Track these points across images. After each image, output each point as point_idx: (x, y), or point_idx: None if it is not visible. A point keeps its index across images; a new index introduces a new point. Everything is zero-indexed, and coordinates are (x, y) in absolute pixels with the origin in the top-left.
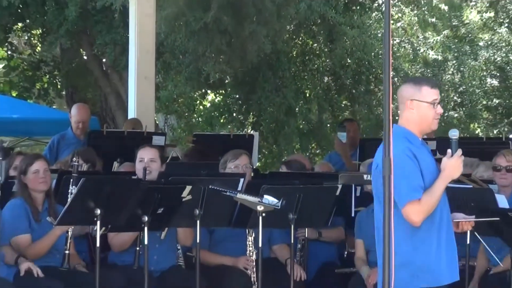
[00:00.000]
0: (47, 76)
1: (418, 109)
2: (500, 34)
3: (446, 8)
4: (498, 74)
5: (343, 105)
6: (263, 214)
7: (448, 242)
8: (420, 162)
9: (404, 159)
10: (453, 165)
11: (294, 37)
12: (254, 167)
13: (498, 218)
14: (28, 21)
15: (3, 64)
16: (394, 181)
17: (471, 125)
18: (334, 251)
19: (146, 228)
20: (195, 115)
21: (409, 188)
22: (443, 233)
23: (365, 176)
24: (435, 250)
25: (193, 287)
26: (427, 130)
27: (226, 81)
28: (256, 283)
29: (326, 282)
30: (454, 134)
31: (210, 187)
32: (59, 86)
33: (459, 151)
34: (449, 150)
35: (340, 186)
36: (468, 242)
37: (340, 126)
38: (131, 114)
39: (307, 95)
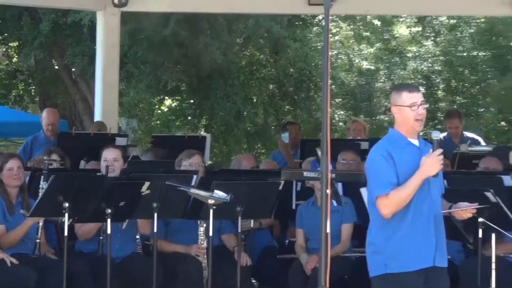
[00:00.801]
0: (23, 84)
1: (400, 113)
2: (426, 47)
3: (378, 23)
4: (424, 82)
5: (286, 110)
6: (214, 207)
7: (425, 233)
8: (396, 161)
9: (378, 159)
10: (430, 162)
11: (243, 49)
12: (206, 165)
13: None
14: (6, 34)
15: None
16: (369, 178)
17: None
18: (271, 236)
19: (109, 220)
20: (154, 119)
21: (378, 184)
22: (418, 224)
23: (305, 173)
24: (405, 239)
25: (151, 272)
26: (412, 131)
27: (182, 88)
28: (207, 268)
29: (269, 267)
30: (435, 135)
31: (166, 182)
32: (33, 93)
33: (438, 150)
34: (431, 150)
35: (282, 182)
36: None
37: (283, 128)
38: (97, 117)
39: (254, 101)
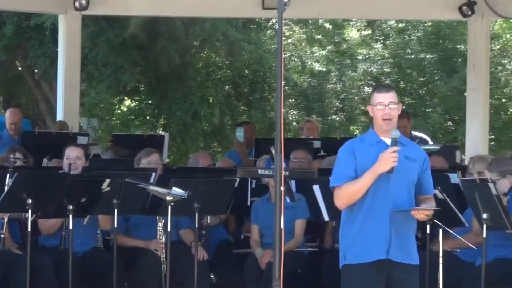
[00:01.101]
0: None
1: (372, 112)
2: (376, 49)
3: (330, 26)
4: (373, 83)
5: (241, 110)
6: (172, 204)
7: (378, 227)
8: (358, 157)
9: (341, 153)
10: (383, 158)
11: (200, 51)
12: (164, 163)
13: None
14: None
15: None
16: None
17: (351, 127)
18: (226, 231)
19: (70, 215)
20: (114, 118)
21: (334, 176)
22: (371, 218)
23: (259, 171)
24: (359, 232)
25: (111, 266)
26: (381, 129)
27: (141, 89)
28: (165, 262)
29: (225, 261)
30: (394, 133)
31: (126, 180)
32: None
33: (392, 148)
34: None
35: (238, 179)
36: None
37: (238, 127)
38: (59, 117)
39: (211, 101)
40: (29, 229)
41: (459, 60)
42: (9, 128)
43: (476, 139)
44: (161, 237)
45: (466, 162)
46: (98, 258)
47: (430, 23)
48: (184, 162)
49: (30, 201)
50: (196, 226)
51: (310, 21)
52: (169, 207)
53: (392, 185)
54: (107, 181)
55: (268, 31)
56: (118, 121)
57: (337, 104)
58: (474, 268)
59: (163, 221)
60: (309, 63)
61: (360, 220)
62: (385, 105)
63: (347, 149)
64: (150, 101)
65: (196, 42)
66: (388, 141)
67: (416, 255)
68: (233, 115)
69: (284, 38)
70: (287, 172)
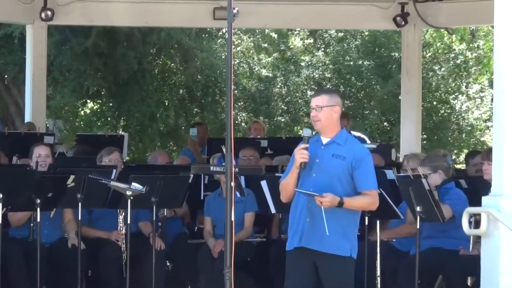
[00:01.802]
0: None
1: None
2: (317, 57)
3: (275, 35)
4: (316, 88)
5: (194, 112)
6: (131, 198)
7: (298, 218)
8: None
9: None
10: (294, 154)
11: (156, 58)
12: (124, 161)
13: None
14: None
15: None
16: None
17: (295, 128)
18: (182, 224)
19: (38, 209)
20: (77, 120)
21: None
22: (295, 210)
23: (211, 168)
24: (290, 223)
25: (76, 255)
26: (317, 129)
27: (102, 93)
28: (125, 251)
29: (181, 251)
30: (305, 132)
31: (89, 176)
32: None
33: (301, 145)
34: None
35: (192, 176)
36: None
37: (192, 128)
38: (27, 118)
39: (166, 104)
40: (0, 221)
41: (394, 66)
42: None
43: (409, 139)
44: (121, 229)
45: (400, 160)
46: (64, 248)
47: (367, 33)
48: (142, 160)
49: (0, 195)
50: (154, 218)
51: (257, 31)
52: (129, 201)
53: (314, 180)
54: (72, 177)
55: (219, 40)
56: (81, 122)
57: (282, 106)
58: (409, 257)
59: (123, 213)
60: (257, 69)
61: (291, 211)
62: (312, 108)
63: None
64: (111, 104)
65: (152, 50)
66: (325, 140)
67: (344, 247)
68: (187, 117)
69: (233, 46)
70: (237, 169)
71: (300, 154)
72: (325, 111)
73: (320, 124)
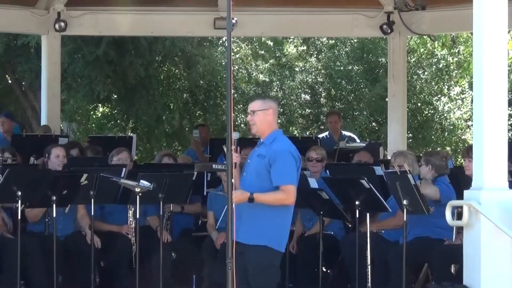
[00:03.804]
0: None
1: None
2: (310, 62)
3: (271, 43)
4: (309, 91)
5: (197, 114)
6: (140, 194)
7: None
8: None
9: None
10: None
11: (161, 65)
12: (133, 160)
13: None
14: None
15: None
16: None
17: (290, 128)
18: (191, 220)
19: (54, 205)
20: (89, 122)
21: None
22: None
23: (213, 166)
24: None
25: (89, 247)
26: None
27: (112, 97)
28: (134, 244)
29: (186, 243)
30: (234, 136)
31: (101, 174)
32: None
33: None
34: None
35: (195, 173)
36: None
37: (195, 129)
38: (43, 122)
39: (171, 107)
40: (19, 217)
41: (381, 71)
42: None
43: (396, 138)
44: (131, 223)
45: (388, 157)
46: (78, 241)
47: (356, 40)
48: (149, 159)
49: (19, 193)
50: (161, 213)
51: (254, 39)
52: (138, 197)
53: (244, 179)
54: (85, 175)
55: (219, 48)
56: (93, 125)
57: (278, 108)
58: (399, 246)
59: (132, 209)
60: (254, 74)
61: None
62: (248, 113)
63: None
64: (120, 108)
65: (158, 57)
66: (262, 140)
67: (261, 236)
68: (191, 119)
69: (232, 54)
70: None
71: (234, 155)
72: (259, 114)
73: (255, 127)
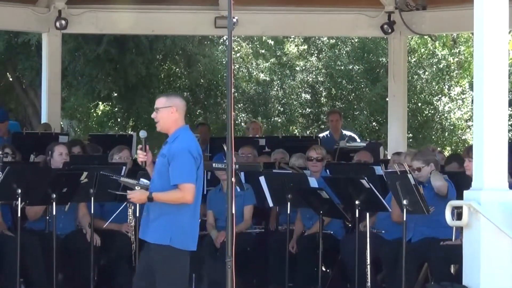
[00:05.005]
0: None
1: None
2: (311, 62)
3: (272, 42)
4: (310, 91)
5: (198, 113)
6: None
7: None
8: None
9: None
10: None
11: (162, 63)
12: (133, 159)
13: None
14: None
15: None
16: None
17: (291, 127)
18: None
19: (54, 203)
20: (90, 120)
21: None
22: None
23: (214, 164)
24: None
25: (89, 245)
26: None
27: (113, 95)
28: (134, 242)
29: None
30: (142, 134)
31: (101, 172)
32: None
33: (139, 146)
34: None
35: None
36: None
37: (195, 128)
38: (44, 119)
39: None
40: (19, 214)
41: (382, 70)
42: None
43: (396, 137)
44: (131, 221)
45: (388, 157)
46: (78, 239)
47: (357, 39)
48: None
49: (19, 191)
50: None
51: (255, 38)
52: None
53: (152, 179)
54: (85, 173)
55: (220, 47)
56: (94, 123)
57: (279, 108)
58: (409, 245)
59: (132, 207)
60: (255, 73)
61: None
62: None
63: None
64: (121, 106)
65: (159, 56)
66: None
67: (163, 235)
68: (191, 118)
69: (233, 52)
70: (237, 166)
71: (138, 155)
72: (162, 112)
73: (159, 125)
